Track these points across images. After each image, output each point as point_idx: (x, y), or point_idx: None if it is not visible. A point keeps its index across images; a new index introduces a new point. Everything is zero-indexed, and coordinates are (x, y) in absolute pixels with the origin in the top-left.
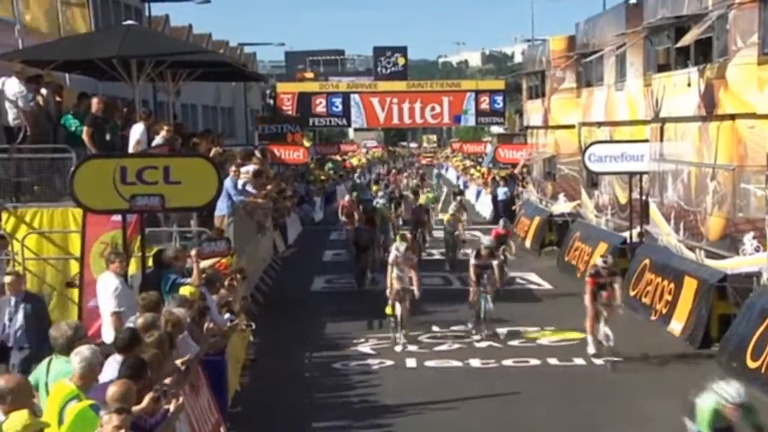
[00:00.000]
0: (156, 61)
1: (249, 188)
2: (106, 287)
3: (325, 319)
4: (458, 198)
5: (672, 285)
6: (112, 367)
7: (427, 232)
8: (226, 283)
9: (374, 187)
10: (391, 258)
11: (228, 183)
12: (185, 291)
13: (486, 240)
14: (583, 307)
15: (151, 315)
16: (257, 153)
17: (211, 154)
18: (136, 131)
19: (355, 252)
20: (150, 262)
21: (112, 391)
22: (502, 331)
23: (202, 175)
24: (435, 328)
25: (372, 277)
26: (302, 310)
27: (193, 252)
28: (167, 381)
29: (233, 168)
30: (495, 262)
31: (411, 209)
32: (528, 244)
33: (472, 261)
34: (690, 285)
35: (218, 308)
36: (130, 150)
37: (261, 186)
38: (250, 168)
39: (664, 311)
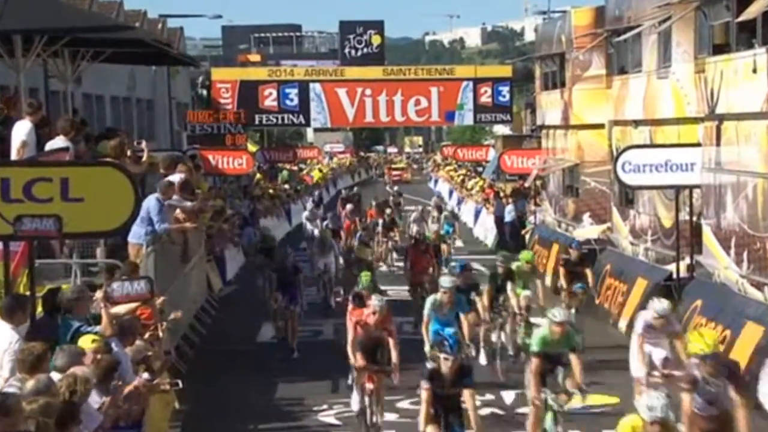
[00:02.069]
0: (48, 37)
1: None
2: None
3: (275, 379)
4: (442, 213)
5: (728, 333)
6: None
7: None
8: (147, 334)
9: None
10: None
11: (152, 203)
12: (85, 341)
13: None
14: (617, 366)
15: (45, 377)
16: (186, 161)
17: (144, 159)
18: (21, 130)
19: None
20: (40, 306)
21: None
22: (508, 395)
23: (112, 191)
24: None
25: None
26: (245, 367)
27: (98, 295)
28: None
29: (163, 185)
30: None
31: (408, 251)
32: (544, 280)
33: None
34: (753, 333)
35: (133, 365)
36: (13, 156)
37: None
38: (175, 178)
39: None
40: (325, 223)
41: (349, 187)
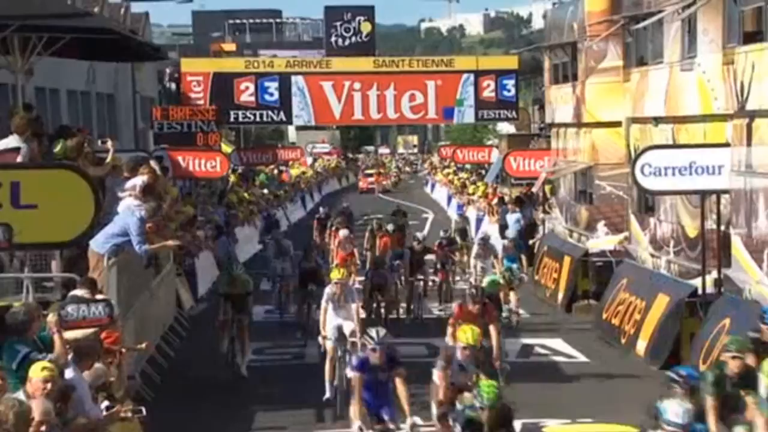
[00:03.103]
0: None
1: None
2: None
3: (253, 407)
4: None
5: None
6: None
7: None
8: (110, 361)
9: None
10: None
11: (133, 221)
12: (36, 369)
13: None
14: (632, 392)
15: None
16: (152, 163)
17: (108, 160)
18: None
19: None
20: None
21: None
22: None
23: (70, 197)
24: (417, 419)
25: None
26: (219, 394)
27: (51, 318)
28: None
29: (136, 195)
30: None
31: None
32: (559, 295)
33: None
34: None
35: (92, 392)
36: None
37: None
38: (137, 181)
39: None
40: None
41: (319, 204)
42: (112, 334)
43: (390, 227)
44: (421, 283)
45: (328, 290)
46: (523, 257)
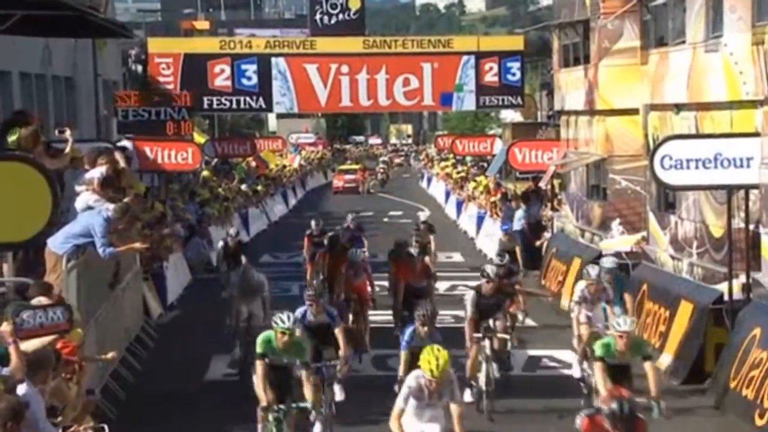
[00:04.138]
0: None
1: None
2: None
3: (229, 427)
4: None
5: None
6: None
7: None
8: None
9: None
10: None
11: (98, 222)
12: None
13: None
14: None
15: None
16: (117, 155)
17: (66, 151)
18: None
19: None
20: None
21: None
22: None
23: (24, 192)
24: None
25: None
26: (191, 412)
27: (5, 328)
28: None
29: (94, 189)
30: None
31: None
32: (564, 301)
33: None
34: None
35: (47, 408)
36: None
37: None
38: (95, 174)
39: None
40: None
41: (298, 204)
42: (68, 344)
43: (413, 250)
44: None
45: (411, 383)
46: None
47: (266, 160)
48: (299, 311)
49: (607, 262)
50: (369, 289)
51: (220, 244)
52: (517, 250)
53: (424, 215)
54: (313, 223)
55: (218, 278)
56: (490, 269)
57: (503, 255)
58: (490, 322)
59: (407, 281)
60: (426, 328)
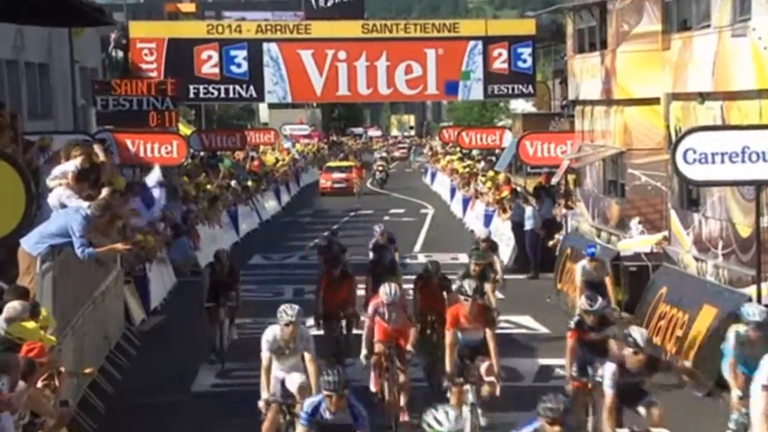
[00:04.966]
0: None
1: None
2: None
3: None
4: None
5: None
6: None
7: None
8: (40, 382)
9: None
10: None
11: (76, 220)
12: None
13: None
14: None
15: None
16: (96, 148)
17: (37, 146)
18: None
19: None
20: None
21: None
22: None
23: None
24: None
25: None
26: (177, 427)
27: None
28: None
29: (67, 184)
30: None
31: None
32: (578, 305)
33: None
34: None
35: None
36: None
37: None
38: (69, 167)
39: None
40: None
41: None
42: (34, 345)
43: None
44: None
45: None
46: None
47: (265, 162)
48: (310, 403)
49: None
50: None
51: (206, 271)
52: (608, 281)
53: (484, 231)
54: (325, 238)
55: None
56: (574, 321)
57: (593, 296)
58: None
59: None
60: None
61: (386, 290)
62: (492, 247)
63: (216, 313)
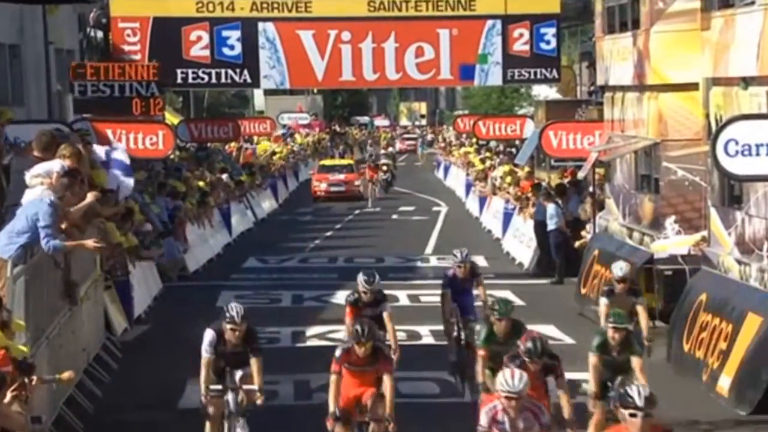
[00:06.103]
0: None
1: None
2: None
3: None
4: None
5: None
6: None
7: None
8: (8, 394)
9: None
10: None
11: (43, 209)
12: None
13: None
14: None
15: None
16: (73, 139)
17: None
18: None
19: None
20: None
21: None
22: None
23: None
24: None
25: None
26: None
27: None
28: None
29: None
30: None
31: None
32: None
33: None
34: None
35: None
36: None
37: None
38: (55, 167)
39: None
40: None
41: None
42: None
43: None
44: None
45: None
46: (641, 310)
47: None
48: None
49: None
50: None
51: (210, 334)
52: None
53: (621, 268)
54: (361, 281)
55: (194, 288)
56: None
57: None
58: None
59: None
60: None
61: (506, 377)
62: (633, 291)
63: (220, 404)
